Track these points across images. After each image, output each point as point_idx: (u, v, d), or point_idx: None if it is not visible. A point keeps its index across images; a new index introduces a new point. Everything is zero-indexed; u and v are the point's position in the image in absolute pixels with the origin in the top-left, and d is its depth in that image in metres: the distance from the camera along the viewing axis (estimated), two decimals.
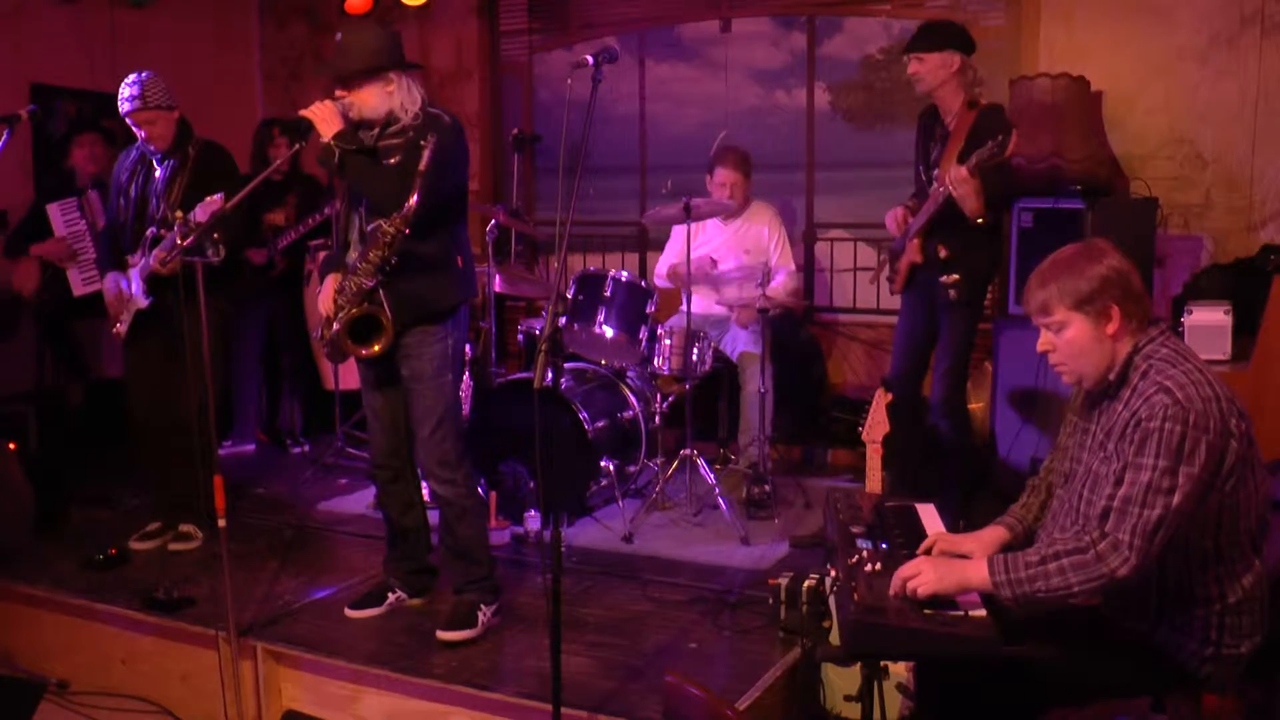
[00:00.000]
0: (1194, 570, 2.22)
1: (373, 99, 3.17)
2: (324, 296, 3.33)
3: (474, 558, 3.42)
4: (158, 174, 4.05)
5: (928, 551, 2.45)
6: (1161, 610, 2.24)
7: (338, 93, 3.17)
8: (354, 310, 3.22)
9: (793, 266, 5.09)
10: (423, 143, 3.07)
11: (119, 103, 3.95)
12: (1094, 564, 2.11)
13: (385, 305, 3.22)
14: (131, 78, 3.96)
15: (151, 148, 4.03)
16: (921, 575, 2.19)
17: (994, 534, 2.54)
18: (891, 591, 2.21)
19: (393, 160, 3.18)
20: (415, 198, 3.05)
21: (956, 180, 3.80)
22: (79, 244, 4.97)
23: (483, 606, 3.38)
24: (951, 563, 2.28)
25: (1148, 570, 2.14)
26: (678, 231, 4.99)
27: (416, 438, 3.33)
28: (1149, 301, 2.31)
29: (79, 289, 5.00)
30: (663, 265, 5.11)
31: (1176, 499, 2.09)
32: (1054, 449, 2.58)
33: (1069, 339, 2.28)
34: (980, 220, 3.88)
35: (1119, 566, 2.09)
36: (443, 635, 3.29)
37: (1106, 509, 2.15)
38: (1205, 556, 2.20)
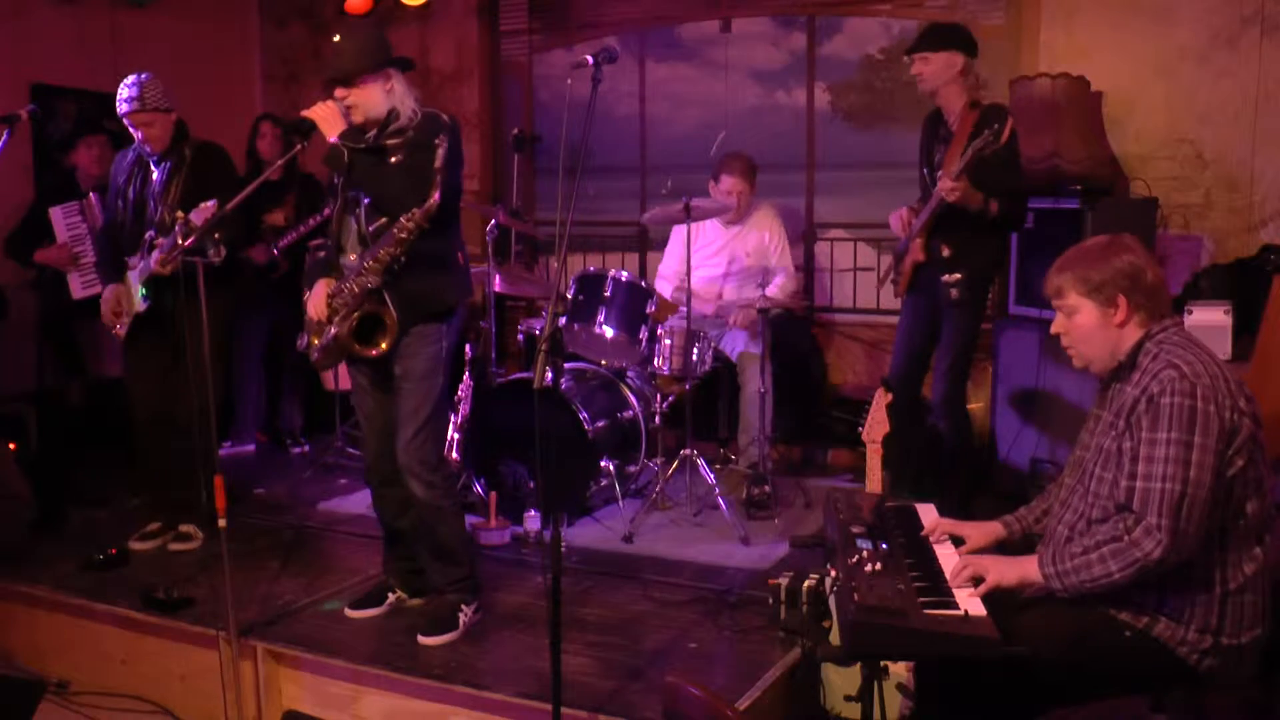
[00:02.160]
0: (1197, 553, 2.23)
1: (375, 95, 3.18)
2: (315, 301, 3.32)
3: (454, 558, 3.43)
4: (154, 176, 4.05)
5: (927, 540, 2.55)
6: (1162, 597, 2.26)
7: (338, 93, 3.18)
8: (358, 311, 3.22)
9: (792, 268, 5.10)
10: (435, 141, 3.08)
11: (117, 103, 3.95)
12: (1129, 549, 2.20)
13: (389, 303, 3.22)
14: (130, 79, 3.95)
15: (148, 149, 4.03)
16: (986, 569, 2.33)
17: (991, 526, 2.64)
18: (951, 581, 2.32)
19: (394, 160, 3.19)
20: (437, 194, 3.06)
21: (944, 191, 3.81)
22: (80, 248, 4.97)
23: (463, 607, 3.39)
24: (1013, 559, 2.39)
25: (1188, 551, 2.19)
26: (678, 233, 5.00)
27: (399, 436, 3.31)
28: (1165, 298, 2.39)
29: (79, 292, 5.00)
30: (668, 272, 5.09)
31: (1194, 471, 2.16)
32: (1075, 448, 2.62)
33: (1077, 324, 2.40)
34: (993, 208, 3.87)
35: (1153, 549, 2.17)
36: (424, 640, 3.30)
37: (1130, 488, 2.23)
38: (1209, 539, 2.23)
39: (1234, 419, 2.21)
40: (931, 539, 2.61)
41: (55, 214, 5.00)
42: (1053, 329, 2.47)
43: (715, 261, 5.05)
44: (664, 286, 5.04)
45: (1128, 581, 2.21)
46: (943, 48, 3.94)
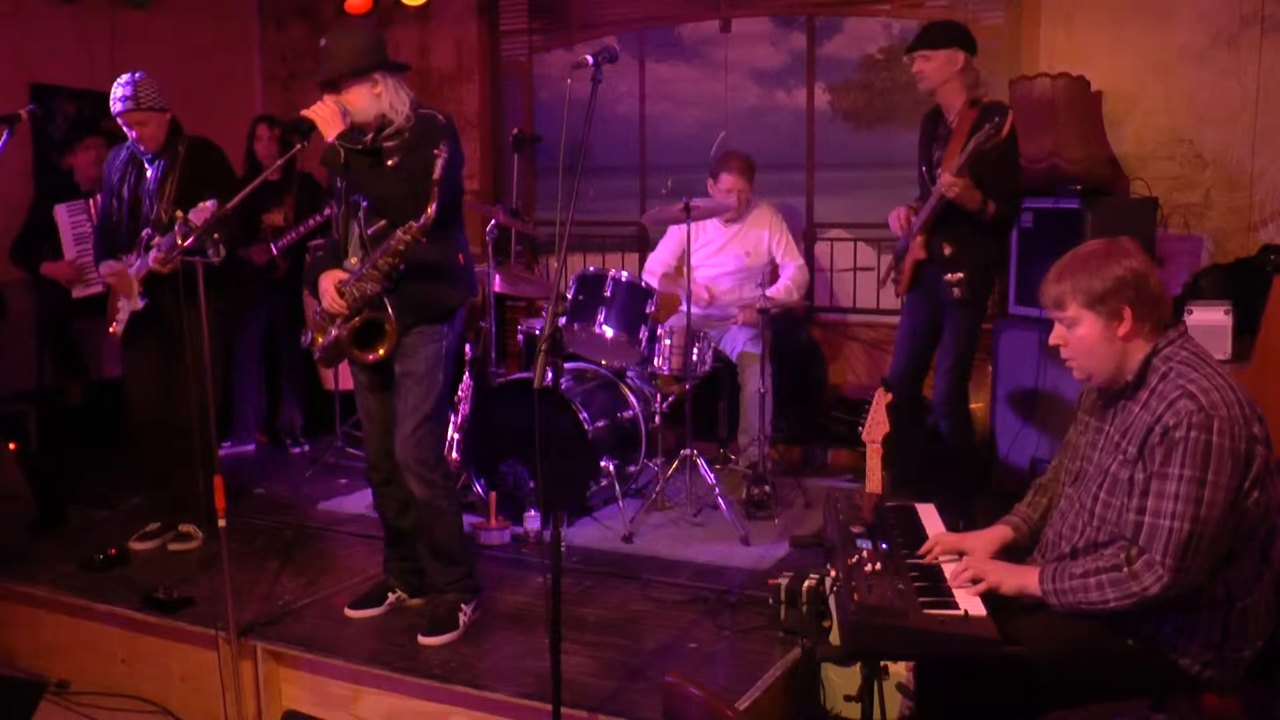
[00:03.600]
0: (1201, 582, 2.21)
1: (361, 100, 3.16)
2: (327, 294, 3.30)
3: (452, 558, 3.43)
4: (149, 174, 4.04)
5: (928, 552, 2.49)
6: (1166, 611, 2.24)
7: (327, 97, 3.17)
8: (357, 318, 3.23)
9: (801, 260, 5.08)
10: (435, 152, 3.05)
11: (111, 102, 3.93)
12: (1128, 581, 2.17)
13: (389, 309, 3.23)
14: (124, 78, 3.94)
15: (142, 148, 4.02)
16: (987, 573, 2.32)
17: (998, 533, 2.57)
18: (951, 581, 2.30)
19: (391, 163, 3.18)
20: (434, 207, 3.05)
21: (946, 186, 3.81)
22: (82, 246, 4.97)
23: (463, 606, 3.39)
24: (1014, 567, 2.38)
25: (1189, 587, 2.15)
26: (674, 230, 5.00)
27: (398, 433, 3.31)
28: (1167, 305, 2.30)
29: (78, 291, 5.01)
30: (655, 264, 5.11)
31: (1204, 510, 2.11)
32: (1062, 447, 2.59)
33: (1080, 336, 2.29)
34: (990, 208, 3.87)
35: (1151, 585, 2.14)
36: (425, 640, 3.29)
37: (1138, 523, 2.19)
38: (1216, 561, 2.19)
39: (1249, 449, 2.15)
40: (930, 556, 2.53)
41: (60, 211, 5.00)
42: (1051, 340, 2.37)
43: (716, 261, 5.05)
44: (649, 278, 5.03)
45: (1123, 610, 2.19)
46: (944, 45, 3.95)
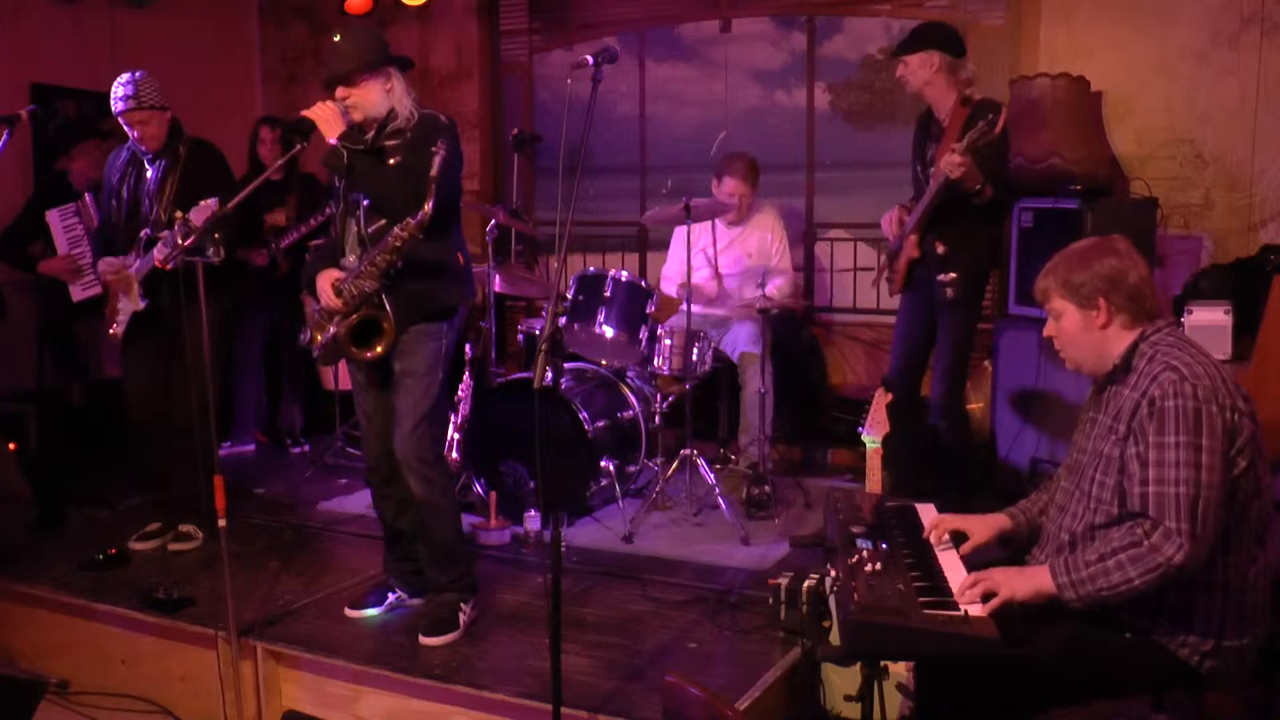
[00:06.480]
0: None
1: (374, 95, 3.19)
2: (323, 292, 3.31)
3: (452, 557, 3.43)
4: (149, 174, 4.04)
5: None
6: (1164, 598, 2.25)
7: (339, 93, 3.18)
8: (355, 315, 3.23)
9: (791, 271, 5.11)
10: (434, 149, 3.07)
11: (112, 102, 3.93)
12: (1149, 555, 2.16)
13: (387, 308, 3.23)
14: (125, 77, 3.94)
15: (143, 148, 4.02)
16: (998, 585, 2.26)
17: (996, 519, 2.62)
18: (959, 597, 2.25)
19: (393, 162, 3.19)
20: (431, 204, 3.06)
21: (952, 164, 3.83)
22: (78, 249, 4.96)
23: (463, 605, 3.39)
24: (1022, 571, 2.35)
25: (1204, 555, 2.17)
26: (679, 233, 5.00)
27: (398, 431, 3.32)
28: (1150, 300, 2.37)
29: (78, 294, 5.00)
30: (671, 272, 5.10)
31: (1205, 474, 2.15)
32: (1069, 450, 2.61)
33: (1063, 327, 2.43)
34: (981, 190, 3.89)
35: (1174, 554, 2.14)
36: (425, 641, 3.30)
37: (1144, 494, 2.21)
38: (1218, 535, 2.20)
39: (1235, 419, 2.20)
40: (932, 539, 2.57)
41: (52, 217, 4.99)
42: (1045, 331, 2.49)
43: (719, 262, 5.04)
44: (667, 287, 5.05)
45: (1147, 588, 2.17)
46: (918, 49, 4.01)
